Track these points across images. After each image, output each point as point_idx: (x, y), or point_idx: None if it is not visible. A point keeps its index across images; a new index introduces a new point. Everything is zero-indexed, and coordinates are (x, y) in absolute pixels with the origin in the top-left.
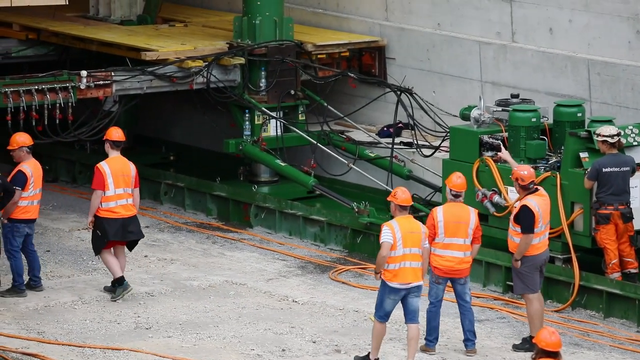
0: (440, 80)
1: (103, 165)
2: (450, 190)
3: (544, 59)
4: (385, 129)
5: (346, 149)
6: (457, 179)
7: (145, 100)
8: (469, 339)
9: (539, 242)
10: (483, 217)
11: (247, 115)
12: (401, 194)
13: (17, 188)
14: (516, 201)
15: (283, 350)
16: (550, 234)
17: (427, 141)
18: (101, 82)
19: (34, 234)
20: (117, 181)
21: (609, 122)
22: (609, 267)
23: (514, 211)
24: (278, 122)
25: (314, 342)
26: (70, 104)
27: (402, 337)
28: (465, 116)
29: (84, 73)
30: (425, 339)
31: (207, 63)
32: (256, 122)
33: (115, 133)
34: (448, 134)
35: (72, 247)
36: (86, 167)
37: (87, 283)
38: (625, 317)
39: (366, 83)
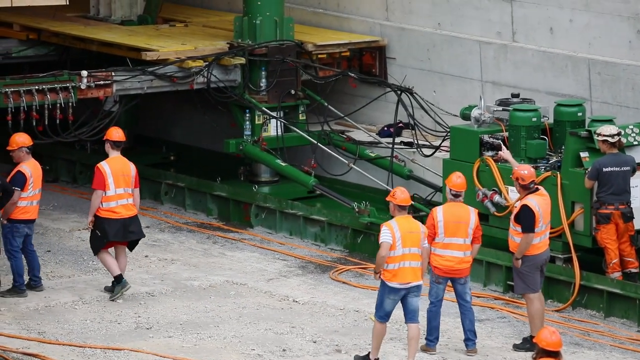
0: (441, 80)
1: (103, 165)
2: (450, 190)
3: (544, 59)
4: (385, 128)
5: (346, 148)
6: (457, 179)
7: (146, 100)
8: (470, 339)
9: (540, 241)
10: (483, 216)
11: (247, 115)
12: (400, 194)
13: (16, 188)
14: (517, 201)
15: (284, 350)
16: (550, 233)
17: (427, 141)
18: (102, 82)
19: (34, 234)
20: (118, 181)
21: (609, 121)
22: (610, 266)
23: (515, 211)
24: (278, 122)
25: (315, 342)
26: (70, 104)
27: (403, 336)
28: (465, 116)
29: (84, 73)
30: (426, 338)
31: (207, 63)
32: (256, 122)
33: (116, 133)
34: (448, 134)
35: (72, 247)
36: (87, 167)
37: (88, 283)
38: (626, 316)
39: (366, 83)
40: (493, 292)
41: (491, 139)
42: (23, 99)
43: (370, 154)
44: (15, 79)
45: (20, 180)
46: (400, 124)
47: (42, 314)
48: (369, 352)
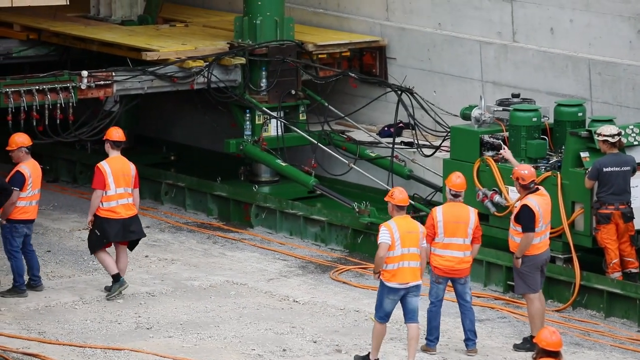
0: (441, 80)
1: (104, 165)
2: (450, 190)
3: (544, 59)
4: (386, 128)
5: (347, 148)
6: (456, 179)
7: (146, 100)
8: (470, 339)
9: (540, 241)
10: (484, 217)
11: (247, 115)
12: (398, 194)
13: (14, 189)
14: (517, 201)
15: (284, 350)
16: (551, 233)
17: (427, 141)
18: (102, 82)
19: (34, 234)
20: (118, 181)
21: (609, 121)
22: (610, 266)
23: (515, 211)
24: (279, 122)
25: (315, 342)
26: (71, 104)
27: (403, 336)
28: (466, 116)
29: (84, 73)
30: (426, 338)
31: (207, 63)
32: (257, 122)
33: (116, 133)
34: (449, 134)
35: (72, 248)
36: (87, 167)
37: (88, 283)
38: (626, 316)
39: (367, 83)
40: (493, 292)
41: (491, 139)
42: (23, 99)
43: (370, 154)
44: (16, 79)
45: (19, 181)
46: (401, 124)
47: (43, 314)
48: (369, 353)
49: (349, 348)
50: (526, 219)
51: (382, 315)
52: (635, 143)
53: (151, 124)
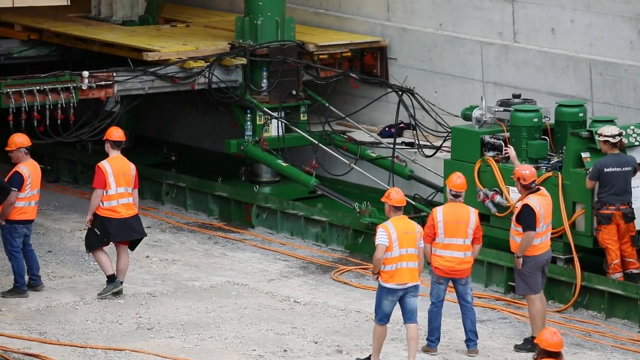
0: (442, 80)
1: (104, 164)
2: (450, 190)
3: (545, 59)
4: (386, 129)
5: (348, 149)
6: (457, 179)
7: (147, 100)
8: (471, 339)
9: (541, 242)
10: (484, 217)
11: (248, 115)
12: (395, 195)
13: (13, 189)
14: (518, 201)
15: (285, 350)
16: (552, 234)
17: (428, 141)
18: (103, 83)
19: (35, 234)
20: (119, 180)
21: (610, 122)
22: (611, 267)
23: (516, 211)
24: (279, 123)
25: (316, 343)
26: (72, 104)
27: (404, 337)
28: (467, 116)
29: (85, 73)
30: (427, 339)
31: (208, 63)
32: (258, 123)
33: (116, 133)
34: (450, 134)
35: (73, 248)
36: (88, 167)
37: (89, 283)
38: (627, 317)
39: (368, 83)
40: (494, 292)
41: (492, 140)
42: (24, 100)
43: (371, 154)
44: (17, 79)
45: (17, 181)
46: (402, 125)
47: (43, 314)
48: (370, 355)
49: (350, 349)
50: (527, 217)
51: (382, 317)
52: (636, 143)
53: (152, 124)
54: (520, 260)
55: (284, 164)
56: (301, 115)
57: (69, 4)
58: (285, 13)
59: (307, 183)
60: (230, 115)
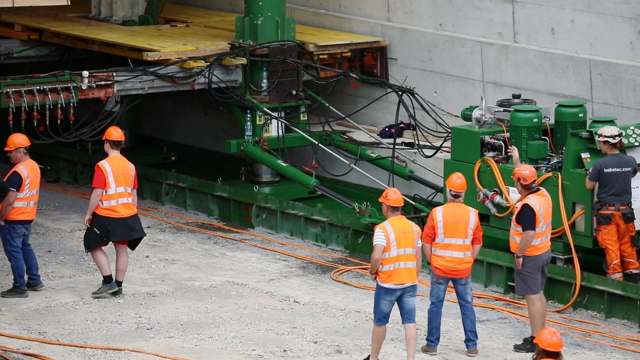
0: (442, 80)
1: (104, 164)
2: (450, 190)
3: (545, 60)
4: (386, 129)
5: (347, 149)
6: (456, 179)
7: (147, 100)
8: (471, 339)
9: (541, 242)
10: (484, 217)
11: (248, 115)
12: (392, 195)
13: (11, 189)
14: (518, 201)
15: (284, 350)
16: (551, 234)
17: (428, 141)
18: (103, 83)
19: (35, 234)
20: (118, 179)
21: (610, 122)
22: (611, 267)
23: (516, 211)
24: (279, 123)
25: (315, 343)
26: (72, 104)
27: (404, 337)
28: (466, 116)
29: (85, 73)
30: (427, 339)
31: (208, 63)
32: (258, 123)
33: (115, 132)
34: (449, 135)
35: (73, 248)
36: (88, 167)
37: (89, 283)
38: (627, 317)
39: (368, 83)
40: (494, 292)
41: (492, 140)
42: (24, 99)
43: (371, 154)
44: (17, 79)
45: (16, 181)
46: (402, 125)
47: (43, 314)
48: (369, 355)
49: (349, 349)
50: (526, 217)
51: (381, 317)
52: (636, 144)
53: (152, 124)
54: (520, 260)
55: (284, 164)
56: (301, 115)
57: (69, 4)
58: (285, 13)
59: (307, 183)
60: (230, 115)
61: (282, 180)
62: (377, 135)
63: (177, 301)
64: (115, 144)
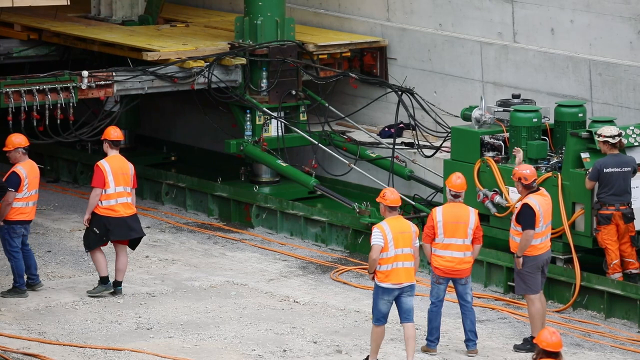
0: (442, 80)
1: (103, 163)
2: (450, 190)
3: (545, 59)
4: (386, 129)
5: (347, 149)
6: (456, 179)
7: (147, 100)
8: (470, 339)
9: (541, 242)
10: (484, 217)
11: (248, 115)
12: (390, 195)
13: (10, 189)
14: (518, 201)
15: (284, 350)
16: (551, 234)
17: (428, 141)
18: (102, 83)
19: (35, 234)
20: (117, 179)
21: (610, 122)
22: (610, 267)
23: (516, 211)
24: (279, 123)
25: (315, 343)
26: (71, 104)
27: (403, 337)
28: (466, 116)
29: (85, 73)
30: (427, 339)
31: (208, 63)
32: (257, 123)
33: (114, 132)
34: (449, 135)
35: (73, 248)
36: (88, 167)
37: (88, 283)
38: (627, 317)
39: (367, 83)
40: (494, 292)
41: (492, 140)
42: (24, 99)
43: (371, 154)
44: (16, 79)
45: (14, 182)
46: (401, 125)
47: (43, 314)
48: (368, 356)
49: (349, 349)
50: (526, 216)
51: (379, 317)
52: (636, 144)
53: (152, 124)
54: (521, 260)
55: (284, 164)
56: (301, 115)
57: (69, 3)
58: (285, 13)
59: (307, 183)
60: (230, 115)
61: (282, 180)
62: (377, 135)
63: (177, 301)
64: (114, 144)
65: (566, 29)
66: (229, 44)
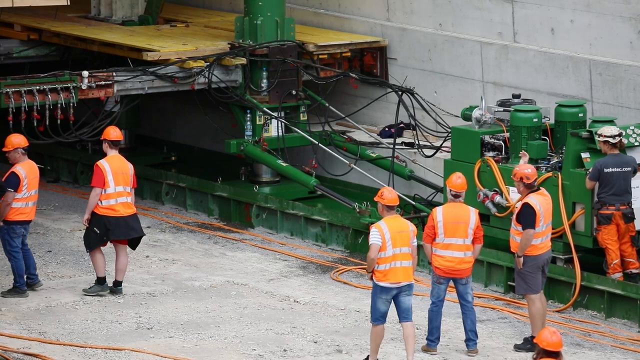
0: (442, 80)
1: (103, 163)
2: (450, 190)
3: (545, 59)
4: (386, 129)
5: (347, 149)
6: (456, 179)
7: (147, 100)
8: (471, 339)
9: (541, 242)
10: (484, 217)
11: (248, 115)
12: (388, 194)
13: (9, 190)
14: (518, 201)
15: (284, 350)
16: (552, 234)
17: (428, 141)
18: (103, 83)
19: (35, 234)
20: (117, 179)
21: (610, 122)
22: (611, 267)
23: (516, 211)
24: (279, 123)
25: (316, 343)
26: (71, 104)
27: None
28: (466, 116)
29: (85, 73)
30: (427, 339)
31: (208, 63)
32: (257, 123)
33: (113, 132)
34: (449, 134)
35: (73, 248)
36: (88, 167)
37: (89, 283)
38: (627, 317)
39: (367, 83)
40: (494, 292)
41: (492, 140)
42: (24, 99)
43: (371, 154)
44: (17, 79)
45: (13, 182)
46: (401, 125)
47: (43, 314)
48: (368, 356)
49: (349, 348)
50: (527, 216)
51: (378, 317)
52: (636, 144)
53: (152, 124)
54: (521, 259)
55: (284, 164)
56: (301, 115)
57: (69, 3)
58: (285, 13)
59: (307, 183)
60: (230, 115)
61: (282, 180)
62: (377, 135)
63: (177, 301)
64: (113, 144)
65: (566, 28)
66: (229, 44)
